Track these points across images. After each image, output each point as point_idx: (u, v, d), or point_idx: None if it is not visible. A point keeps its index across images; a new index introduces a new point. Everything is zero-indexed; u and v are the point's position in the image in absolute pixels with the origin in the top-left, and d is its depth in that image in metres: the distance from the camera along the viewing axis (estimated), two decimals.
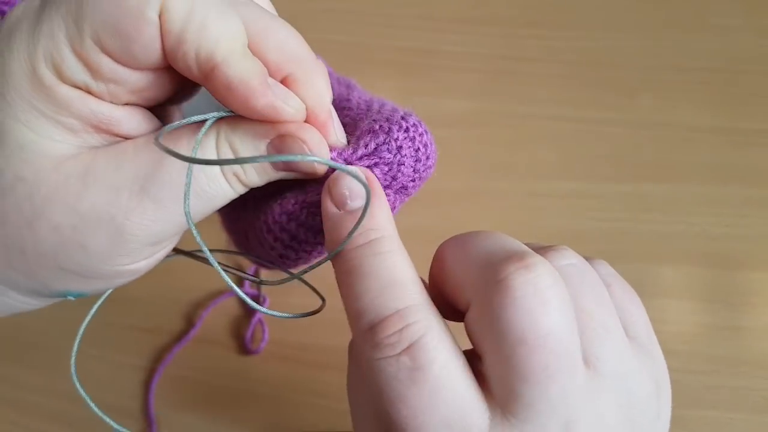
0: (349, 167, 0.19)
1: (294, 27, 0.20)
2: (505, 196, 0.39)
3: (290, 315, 0.21)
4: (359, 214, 0.19)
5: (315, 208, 0.21)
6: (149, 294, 0.37)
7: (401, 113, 0.21)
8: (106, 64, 0.17)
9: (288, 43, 0.19)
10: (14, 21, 0.17)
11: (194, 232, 0.18)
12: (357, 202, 0.19)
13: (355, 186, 0.19)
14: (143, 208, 0.18)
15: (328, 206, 0.20)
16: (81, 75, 0.17)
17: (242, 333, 0.35)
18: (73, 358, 0.23)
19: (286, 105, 0.18)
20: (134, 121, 0.19)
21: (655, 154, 0.40)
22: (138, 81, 0.18)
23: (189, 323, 0.36)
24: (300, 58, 0.19)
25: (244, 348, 0.35)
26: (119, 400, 0.34)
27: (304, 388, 0.33)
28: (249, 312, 0.36)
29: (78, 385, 0.23)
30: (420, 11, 0.47)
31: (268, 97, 0.17)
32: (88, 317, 0.23)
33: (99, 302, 0.23)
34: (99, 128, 0.18)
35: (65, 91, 0.17)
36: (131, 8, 0.16)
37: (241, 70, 0.17)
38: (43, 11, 0.16)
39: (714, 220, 0.38)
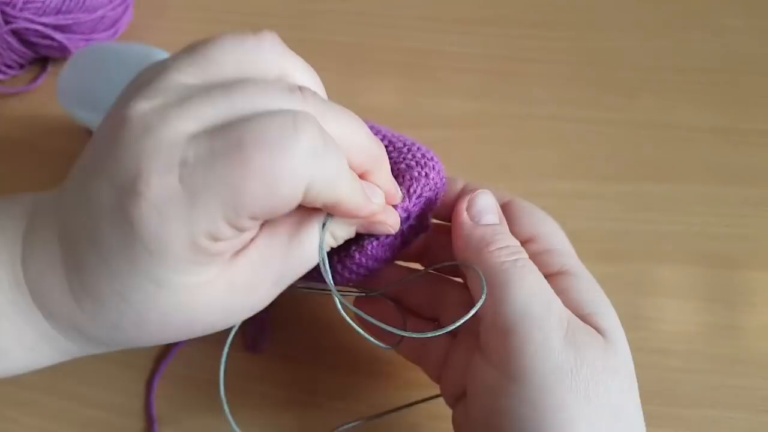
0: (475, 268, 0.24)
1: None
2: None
3: (431, 334, 0.23)
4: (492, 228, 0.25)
5: (387, 247, 0.26)
6: None
7: (426, 154, 0.26)
8: (253, 223, 0.20)
9: (367, 146, 0.22)
10: (156, 202, 0.18)
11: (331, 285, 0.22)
12: (488, 217, 0.25)
13: (487, 204, 0.25)
14: (272, 294, 0.22)
15: (464, 218, 0.25)
16: (232, 234, 0.19)
17: (245, 332, 0.35)
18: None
19: (376, 204, 0.22)
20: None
21: (654, 154, 0.40)
22: None
23: None
24: (375, 156, 0.22)
25: (247, 347, 0.35)
26: (121, 399, 0.34)
27: (307, 388, 0.33)
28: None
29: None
30: (421, 12, 0.47)
31: (370, 207, 0.22)
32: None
33: None
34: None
35: (220, 246, 0.20)
36: (285, 197, 0.19)
37: (354, 202, 0.21)
38: (196, 199, 0.18)
39: (713, 220, 0.38)
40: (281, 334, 0.34)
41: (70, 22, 0.41)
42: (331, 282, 0.22)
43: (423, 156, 0.26)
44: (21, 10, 0.40)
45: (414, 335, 0.22)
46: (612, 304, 0.36)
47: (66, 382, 0.35)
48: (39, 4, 0.40)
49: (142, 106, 0.19)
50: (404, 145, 0.27)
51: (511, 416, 0.21)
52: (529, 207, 0.27)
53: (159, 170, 0.18)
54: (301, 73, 0.22)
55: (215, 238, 0.19)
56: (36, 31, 0.40)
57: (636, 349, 0.34)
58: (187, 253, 0.19)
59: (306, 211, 0.22)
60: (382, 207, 0.23)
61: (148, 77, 0.20)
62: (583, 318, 0.23)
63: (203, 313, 0.21)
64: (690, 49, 0.45)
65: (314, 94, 0.20)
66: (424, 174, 0.25)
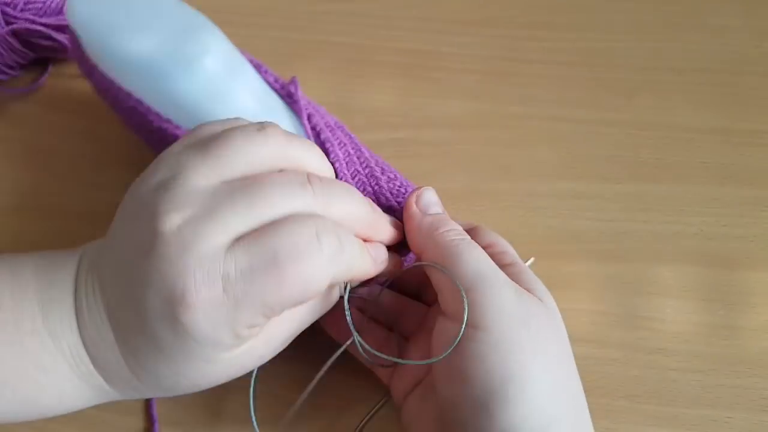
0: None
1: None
2: (505, 196, 0.39)
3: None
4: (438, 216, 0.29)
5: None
6: None
7: (405, 187, 0.32)
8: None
9: (367, 217, 0.27)
10: (204, 310, 0.22)
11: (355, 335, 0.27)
12: (434, 209, 0.29)
13: (432, 198, 0.29)
14: (299, 330, 0.27)
15: (414, 209, 0.28)
16: (267, 322, 0.23)
17: None
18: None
19: (383, 264, 0.27)
20: None
21: (653, 155, 0.41)
22: None
23: None
24: (375, 222, 0.27)
25: None
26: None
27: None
28: None
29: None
30: (419, 13, 0.47)
31: (378, 268, 0.27)
32: None
33: None
34: None
35: (256, 330, 0.23)
36: (313, 294, 0.23)
37: (366, 271, 0.26)
38: (240, 304, 0.22)
39: (712, 220, 0.38)
40: None
41: None
42: (357, 334, 0.27)
43: (400, 188, 0.32)
44: (22, 10, 0.40)
45: (408, 362, 0.29)
46: (611, 303, 0.36)
47: None
48: (40, 5, 0.40)
49: (175, 221, 0.22)
50: (404, 189, 0.32)
51: (476, 357, 0.24)
52: (488, 229, 0.31)
53: (205, 284, 0.21)
54: (304, 153, 0.25)
55: (253, 326, 0.23)
56: (37, 31, 0.40)
57: (635, 348, 0.35)
58: (233, 339, 0.23)
59: None
60: (385, 261, 0.27)
61: (166, 176, 0.23)
62: (534, 293, 0.27)
63: (247, 365, 0.25)
64: (689, 50, 0.45)
65: (321, 181, 0.24)
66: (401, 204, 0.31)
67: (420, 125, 0.42)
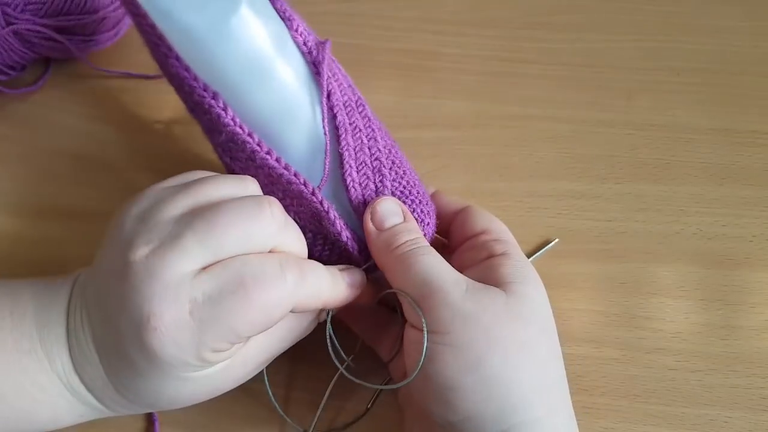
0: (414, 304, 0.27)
1: None
2: (504, 196, 0.39)
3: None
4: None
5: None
6: None
7: (422, 206, 0.31)
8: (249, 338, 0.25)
9: (331, 285, 0.27)
10: (170, 333, 0.23)
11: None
12: (392, 219, 0.29)
13: (388, 208, 0.29)
14: (281, 349, 0.28)
15: (369, 227, 0.29)
16: (232, 347, 0.25)
17: None
18: None
19: (359, 287, 0.29)
20: None
21: (651, 155, 0.41)
22: None
23: None
24: (342, 289, 0.28)
25: None
26: None
27: (308, 386, 0.33)
28: None
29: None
30: (419, 14, 0.47)
31: (353, 293, 0.28)
32: None
33: None
34: None
35: (223, 355, 0.25)
36: (277, 318, 0.24)
37: (339, 299, 0.28)
38: (205, 328, 0.23)
39: (710, 220, 0.38)
40: None
41: (71, 23, 0.41)
42: (341, 367, 0.28)
43: (404, 188, 0.31)
44: (22, 11, 0.40)
45: (390, 387, 0.31)
46: (610, 303, 0.36)
47: None
48: (40, 5, 0.40)
49: (143, 251, 0.23)
50: (408, 190, 0.31)
51: (437, 358, 0.25)
52: (482, 210, 0.32)
53: (169, 309, 0.23)
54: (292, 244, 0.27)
55: (218, 351, 0.24)
56: (37, 32, 0.40)
57: (634, 348, 0.35)
58: (198, 362, 0.24)
59: None
60: (362, 283, 0.29)
61: (146, 207, 0.25)
62: (504, 285, 0.27)
63: (224, 386, 0.27)
64: (686, 50, 0.45)
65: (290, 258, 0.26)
66: (427, 223, 0.31)
67: (420, 125, 0.42)
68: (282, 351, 0.28)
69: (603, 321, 0.35)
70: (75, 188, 0.40)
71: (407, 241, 0.28)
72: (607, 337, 0.35)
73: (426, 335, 0.26)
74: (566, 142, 0.41)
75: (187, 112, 0.32)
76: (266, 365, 0.28)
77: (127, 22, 0.45)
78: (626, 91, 0.43)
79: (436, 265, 0.27)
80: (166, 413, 0.33)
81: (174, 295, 0.23)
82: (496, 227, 0.30)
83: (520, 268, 0.28)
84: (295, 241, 0.27)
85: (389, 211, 0.29)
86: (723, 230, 0.38)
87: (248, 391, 0.34)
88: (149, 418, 0.33)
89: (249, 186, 0.27)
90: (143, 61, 0.46)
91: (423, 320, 0.26)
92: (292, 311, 0.25)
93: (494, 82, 0.44)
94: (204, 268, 0.23)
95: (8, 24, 0.40)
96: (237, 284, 0.23)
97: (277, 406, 0.31)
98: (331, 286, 0.27)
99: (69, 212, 0.39)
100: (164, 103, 0.43)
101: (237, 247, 0.24)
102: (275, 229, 0.25)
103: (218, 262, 0.24)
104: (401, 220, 0.29)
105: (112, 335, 0.24)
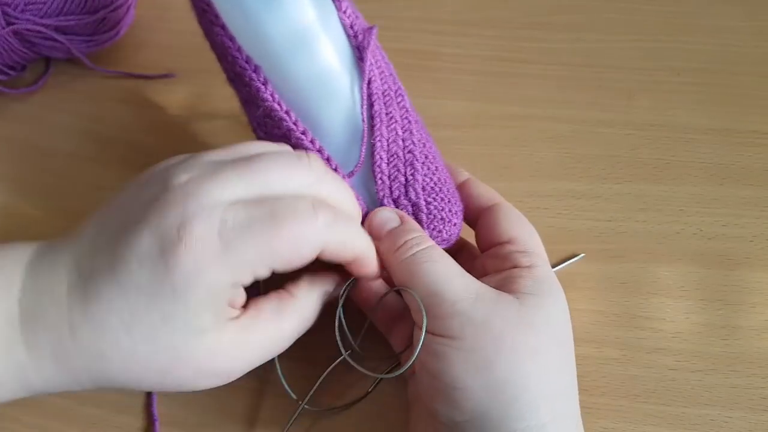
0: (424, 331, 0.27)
1: None
2: (505, 196, 0.39)
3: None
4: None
5: None
6: None
7: (448, 208, 0.31)
8: (268, 273, 0.24)
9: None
10: (194, 249, 0.22)
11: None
12: (388, 225, 0.29)
13: (383, 217, 0.29)
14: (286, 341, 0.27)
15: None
16: (250, 282, 0.24)
17: None
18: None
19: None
20: None
21: (651, 155, 0.41)
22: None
23: None
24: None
25: None
26: (121, 397, 0.34)
27: (308, 386, 0.33)
28: None
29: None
30: (419, 14, 0.47)
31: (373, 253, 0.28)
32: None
33: None
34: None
35: (231, 312, 0.24)
36: (304, 256, 0.24)
37: (371, 256, 0.28)
38: (231, 252, 0.23)
39: (711, 220, 0.38)
40: None
41: (71, 23, 0.41)
42: (342, 349, 0.29)
43: (434, 185, 0.31)
44: (22, 11, 0.40)
45: (389, 376, 0.29)
46: (610, 303, 0.36)
47: None
48: (40, 5, 0.40)
49: (183, 178, 0.24)
50: (438, 187, 0.31)
51: (446, 357, 0.25)
52: (510, 211, 0.31)
53: (200, 224, 0.22)
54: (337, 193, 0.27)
55: (236, 287, 0.24)
56: (38, 32, 0.40)
57: (634, 348, 0.35)
58: (205, 301, 0.23)
59: (310, 279, 0.28)
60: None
61: (186, 157, 0.26)
62: (520, 295, 0.27)
63: (228, 363, 0.25)
64: (686, 50, 0.45)
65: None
66: (437, 229, 0.30)
67: (425, 127, 0.42)
68: (279, 349, 0.27)
69: (603, 321, 0.35)
70: (75, 188, 0.40)
71: (406, 241, 0.28)
72: (607, 337, 0.35)
73: (424, 332, 0.26)
74: (566, 142, 0.41)
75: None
76: (256, 365, 0.27)
77: (127, 22, 0.45)
78: (626, 91, 0.43)
79: (442, 272, 0.27)
80: (166, 414, 0.33)
81: (207, 214, 0.23)
82: (524, 236, 0.30)
83: (542, 281, 0.28)
84: (337, 193, 0.27)
85: (385, 218, 0.29)
86: (723, 230, 0.38)
87: (249, 391, 0.34)
88: (149, 418, 0.33)
89: (287, 147, 0.28)
90: (143, 61, 0.46)
91: (423, 317, 0.26)
92: (320, 257, 0.25)
93: (494, 82, 0.44)
94: (238, 201, 0.24)
95: (8, 24, 0.40)
96: (268, 215, 0.23)
97: (285, 385, 0.30)
98: (365, 242, 0.27)
99: (69, 212, 0.39)
100: (164, 103, 0.43)
101: (274, 188, 0.24)
102: (313, 179, 0.26)
103: (253, 199, 0.24)
104: (398, 224, 0.29)
105: (110, 253, 0.23)
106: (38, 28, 0.40)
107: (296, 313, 0.27)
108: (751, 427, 0.33)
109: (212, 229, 0.22)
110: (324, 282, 0.28)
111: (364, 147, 0.30)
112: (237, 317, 0.25)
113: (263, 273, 0.24)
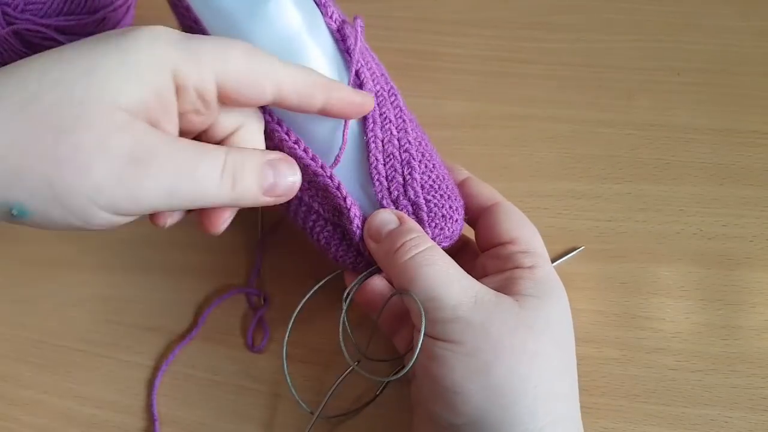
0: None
1: None
2: (505, 196, 0.39)
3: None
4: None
5: None
6: (153, 293, 0.37)
7: (452, 206, 0.31)
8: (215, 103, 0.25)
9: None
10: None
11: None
12: (387, 228, 0.29)
13: (382, 220, 0.29)
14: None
15: (370, 244, 0.29)
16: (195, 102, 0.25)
17: (246, 331, 0.36)
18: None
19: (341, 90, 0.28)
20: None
21: (651, 155, 0.41)
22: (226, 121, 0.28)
23: (192, 322, 0.36)
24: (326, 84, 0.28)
25: (247, 346, 0.35)
26: (122, 398, 0.34)
27: (308, 387, 0.33)
28: (252, 310, 0.36)
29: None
30: (419, 14, 0.47)
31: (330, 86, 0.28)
32: None
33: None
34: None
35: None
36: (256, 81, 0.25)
37: (303, 81, 0.27)
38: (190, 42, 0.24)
39: (710, 220, 0.38)
40: (281, 334, 0.35)
41: (71, 23, 0.41)
42: (350, 360, 0.29)
43: (433, 182, 0.31)
44: (22, 11, 0.40)
45: (391, 379, 0.29)
46: (610, 303, 0.36)
47: (67, 381, 0.35)
48: (40, 5, 0.40)
49: None
50: (437, 184, 0.31)
51: (445, 361, 0.25)
52: (512, 210, 0.31)
53: None
54: None
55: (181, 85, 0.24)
56: (38, 32, 0.40)
57: (634, 348, 0.35)
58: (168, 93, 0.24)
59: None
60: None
61: None
62: (521, 297, 0.27)
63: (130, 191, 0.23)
64: (688, 50, 0.45)
65: None
66: (456, 219, 0.30)
67: (420, 125, 0.42)
68: (179, 203, 0.24)
69: (603, 321, 0.35)
70: None
71: (405, 242, 0.28)
72: (607, 337, 0.35)
73: (422, 335, 0.26)
74: (566, 142, 0.41)
75: None
76: (150, 211, 0.25)
77: (127, 22, 0.45)
78: (626, 91, 0.43)
79: (441, 275, 0.27)
80: (166, 414, 0.33)
81: None
82: (526, 236, 0.30)
83: (543, 282, 0.28)
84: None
85: (384, 220, 0.29)
86: (723, 230, 0.38)
87: (249, 391, 0.34)
88: (150, 418, 0.33)
89: None
90: None
91: (422, 320, 0.26)
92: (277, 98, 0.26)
93: (494, 82, 0.44)
94: None
95: (8, 24, 0.40)
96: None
97: (292, 389, 0.31)
98: (288, 71, 0.27)
99: None
100: None
101: None
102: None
103: None
104: (397, 225, 0.29)
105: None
106: (38, 28, 0.40)
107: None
108: (751, 427, 0.33)
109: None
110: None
111: (346, 133, 0.30)
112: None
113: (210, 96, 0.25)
